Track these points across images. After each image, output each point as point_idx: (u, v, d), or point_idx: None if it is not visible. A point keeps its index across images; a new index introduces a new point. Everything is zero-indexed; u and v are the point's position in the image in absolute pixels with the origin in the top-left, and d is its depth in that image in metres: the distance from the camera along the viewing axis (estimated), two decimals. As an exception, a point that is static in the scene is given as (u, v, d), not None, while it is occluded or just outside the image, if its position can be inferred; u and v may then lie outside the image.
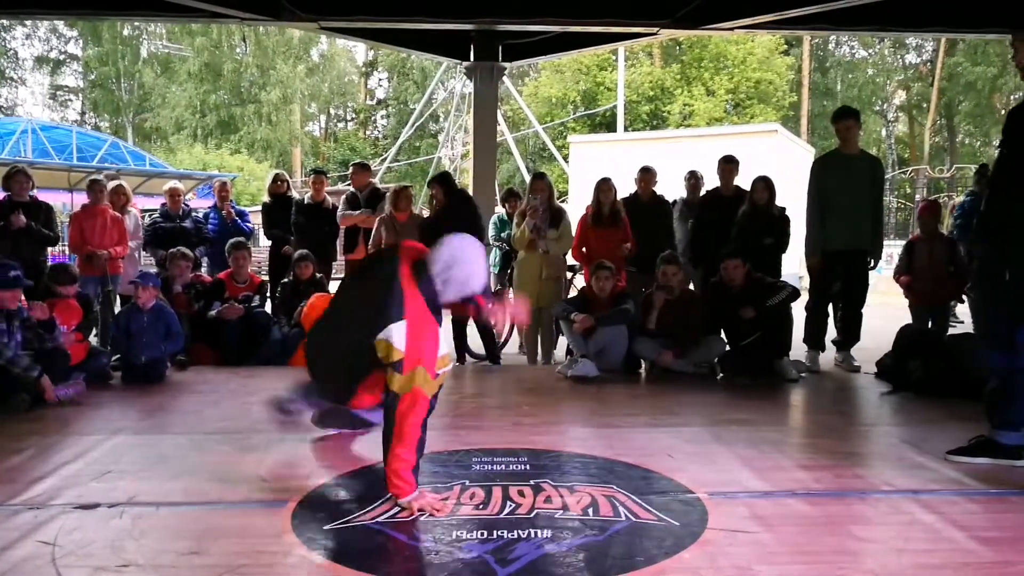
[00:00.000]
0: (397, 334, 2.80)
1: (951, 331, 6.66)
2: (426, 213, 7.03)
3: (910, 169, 28.40)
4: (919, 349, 5.35)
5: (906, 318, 6.55)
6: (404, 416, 2.77)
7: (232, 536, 2.58)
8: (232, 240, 6.92)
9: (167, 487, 3.06)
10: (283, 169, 31.95)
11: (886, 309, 7.96)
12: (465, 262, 2.96)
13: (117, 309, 6.76)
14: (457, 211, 6.64)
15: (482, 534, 2.57)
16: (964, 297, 6.68)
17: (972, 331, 6.16)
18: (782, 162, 13.38)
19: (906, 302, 6.84)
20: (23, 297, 4.94)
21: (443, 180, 6.84)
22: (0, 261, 4.91)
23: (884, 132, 40.02)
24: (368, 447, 3.69)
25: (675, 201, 7.37)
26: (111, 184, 7.29)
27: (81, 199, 8.72)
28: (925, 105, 37.54)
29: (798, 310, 6.14)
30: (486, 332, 6.69)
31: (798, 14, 7.41)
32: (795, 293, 5.80)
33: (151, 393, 5.16)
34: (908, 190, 26.36)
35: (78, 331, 5.44)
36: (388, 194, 6.99)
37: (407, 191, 6.91)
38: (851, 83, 38.90)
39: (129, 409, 4.69)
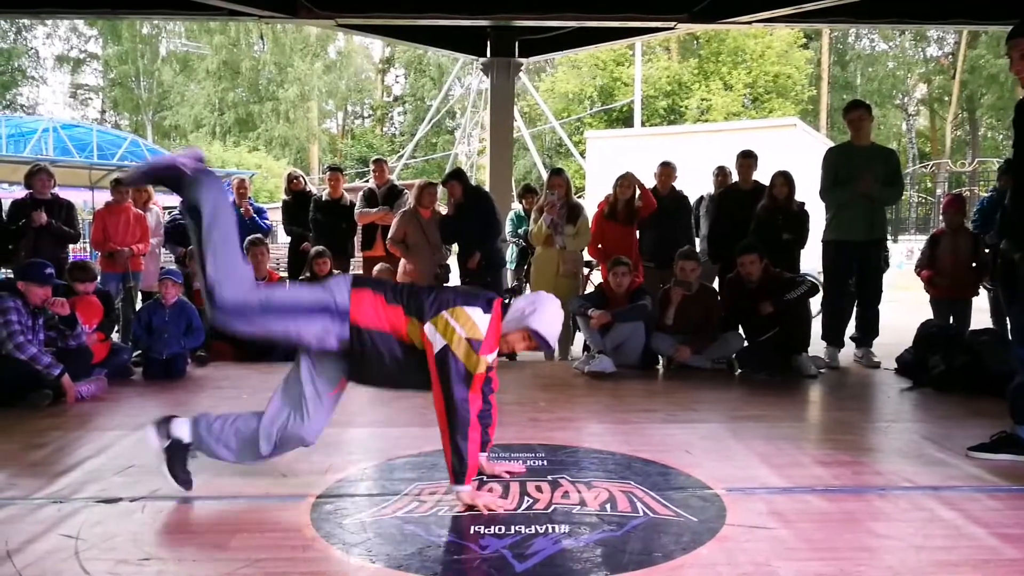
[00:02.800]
0: (481, 318, 2.75)
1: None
2: (444, 210, 7.03)
3: (931, 163, 28.13)
4: (940, 344, 5.31)
5: (926, 313, 6.49)
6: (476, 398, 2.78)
7: (252, 530, 2.60)
8: (250, 237, 6.96)
9: (188, 481, 3.09)
10: (300, 166, 32.25)
11: (905, 304, 7.92)
12: (545, 311, 2.86)
13: (138, 306, 6.83)
14: (475, 206, 6.66)
15: (500, 529, 2.58)
16: (982, 291, 6.61)
17: (992, 326, 6.13)
18: (801, 156, 13.26)
19: (925, 297, 6.78)
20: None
21: (460, 176, 6.86)
22: (35, 260, 5.08)
23: (904, 126, 39.64)
24: (386, 442, 3.71)
25: (702, 196, 7.35)
26: (133, 182, 7.36)
27: (102, 197, 8.80)
28: (947, 98, 37.14)
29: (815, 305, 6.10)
30: None
31: (817, 7, 7.36)
32: (813, 288, 5.77)
33: (172, 389, 5.22)
34: (929, 184, 26.10)
35: (100, 330, 5.51)
36: (413, 189, 7.01)
37: (433, 187, 6.92)
38: (871, 76, 38.56)
39: (150, 404, 4.73)
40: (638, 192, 6.57)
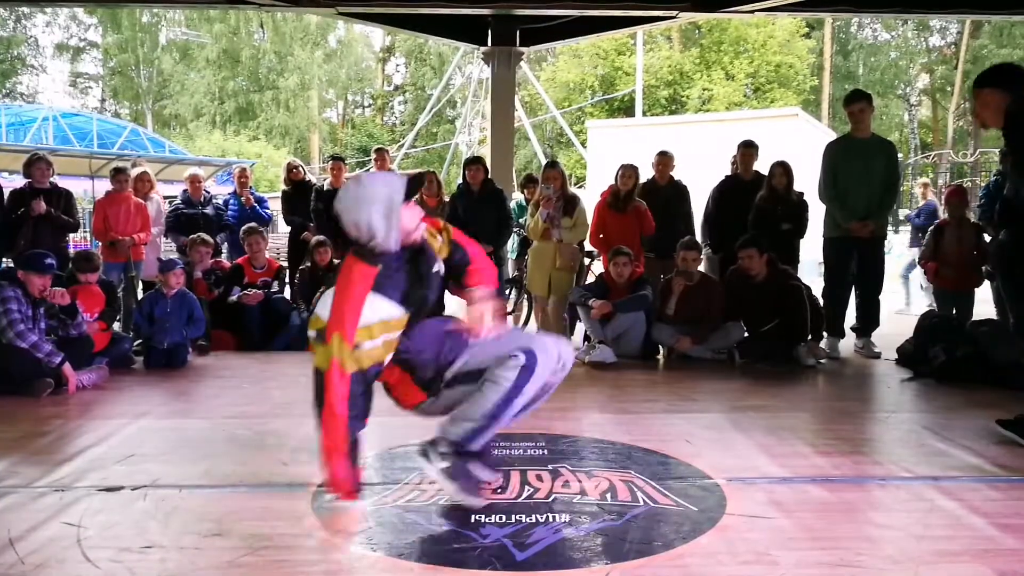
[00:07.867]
0: (322, 302, 2.48)
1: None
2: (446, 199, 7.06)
3: (933, 154, 28.07)
4: (941, 335, 5.30)
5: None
6: (326, 398, 2.36)
7: (254, 518, 2.61)
8: (246, 225, 6.96)
9: (189, 470, 3.10)
10: (301, 156, 32.21)
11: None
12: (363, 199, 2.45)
13: (140, 295, 6.83)
14: (492, 200, 6.69)
15: (500, 518, 2.59)
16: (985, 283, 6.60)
17: (994, 317, 6.12)
18: (803, 147, 13.21)
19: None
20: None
21: (482, 162, 7.06)
22: (35, 251, 5.09)
23: (907, 116, 39.42)
24: (387, 432, 3.70)
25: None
26: (135, 171, 7.35)
27: (102, 186, 8.77)
28: (949, 88, 36.96)
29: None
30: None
31: (819, -4, 7.32)
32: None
33: (173, 378, 5.22)
34: (931, 175, 26.03)
35: (102, 320, 5.52)
36: None
37: (435, 175, 7.01)
38: (873, 66, 38.38)
39: (151, 394, 4.75)
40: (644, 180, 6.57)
